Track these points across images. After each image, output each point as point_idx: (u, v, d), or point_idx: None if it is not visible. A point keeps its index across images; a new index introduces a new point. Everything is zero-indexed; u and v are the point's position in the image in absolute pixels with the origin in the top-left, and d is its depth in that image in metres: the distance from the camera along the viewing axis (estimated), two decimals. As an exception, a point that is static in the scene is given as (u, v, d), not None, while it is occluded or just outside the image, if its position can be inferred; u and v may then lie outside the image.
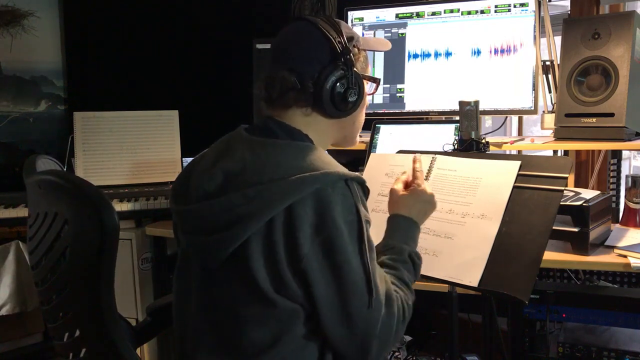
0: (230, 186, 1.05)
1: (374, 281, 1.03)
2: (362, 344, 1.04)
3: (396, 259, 1.17)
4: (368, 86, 1.24)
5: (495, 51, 2.13)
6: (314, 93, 1.11)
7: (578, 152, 2.32)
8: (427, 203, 1.29)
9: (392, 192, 1.30)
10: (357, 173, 1.09)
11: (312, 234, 1.00)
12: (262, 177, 1.02)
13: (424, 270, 1.39)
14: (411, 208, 1.26)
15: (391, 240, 1.21)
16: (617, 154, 2.17)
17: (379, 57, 2.33)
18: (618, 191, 2.16)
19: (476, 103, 1.65)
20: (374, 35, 2.34)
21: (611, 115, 1.82)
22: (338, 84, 1.12)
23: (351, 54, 1.14)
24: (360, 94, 1.17)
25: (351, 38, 1.17)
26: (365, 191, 1.11)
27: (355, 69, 1.14)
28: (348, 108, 1.16)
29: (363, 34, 2.34)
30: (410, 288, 1.15)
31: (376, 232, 1.40)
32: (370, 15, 2.37)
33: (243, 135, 1.14)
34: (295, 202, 0.99)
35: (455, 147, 1.69)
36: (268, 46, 1.22)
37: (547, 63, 2.12)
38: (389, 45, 1.34)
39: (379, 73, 2.33)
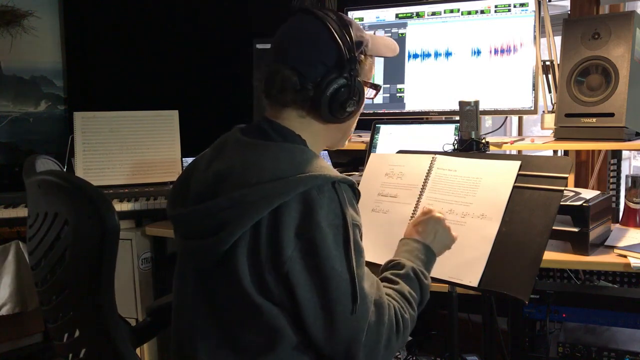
0: (219, 189, 1.03)
1: (359, 286, 0.99)
2: (346, 350, 1.00)
3: (396, 273, 1.14)
4: (368, 92, 1.21)
5: (495, 51, 2.13)
6: (313, 97, 1.08)
7: (578, 152, 2.31)
8: (440, 226, 1.25)
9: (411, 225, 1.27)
10: (345, 175, 1.06)
11: (295, 237, 0.97)
12: (250, 180, 1.00)
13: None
14: (423, 232, 1.23)
15: (396, 257, 1.19)
16: (617, 154, 2.17)
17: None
18: (618, 191, 2.16)
19: (476, 103, 1.65)
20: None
21: (611, 115, 1.82)
22: (339, 92, 1.08)
23: (357, 63, 1.10)
24: (360, 103, 1.14)
25: (360, 43, 1.13)
26: (356, 194, 1.08)
27: (359, 77, 1.11)
28: (344, 116, 1.13)
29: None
30: (411, 303, 1.10)
31: (375, 231, 1.40)
32: (370, 15, 2.37)
33: (236, 137, 1.12)
34: (281, 205, 0.97)
35: (455, 147, 1.69)
36: (268, 46, 1.18)
37: (547, 63, 2.12)
38: (396, 51, 1.29)
39: (379, 73, 2.33)
